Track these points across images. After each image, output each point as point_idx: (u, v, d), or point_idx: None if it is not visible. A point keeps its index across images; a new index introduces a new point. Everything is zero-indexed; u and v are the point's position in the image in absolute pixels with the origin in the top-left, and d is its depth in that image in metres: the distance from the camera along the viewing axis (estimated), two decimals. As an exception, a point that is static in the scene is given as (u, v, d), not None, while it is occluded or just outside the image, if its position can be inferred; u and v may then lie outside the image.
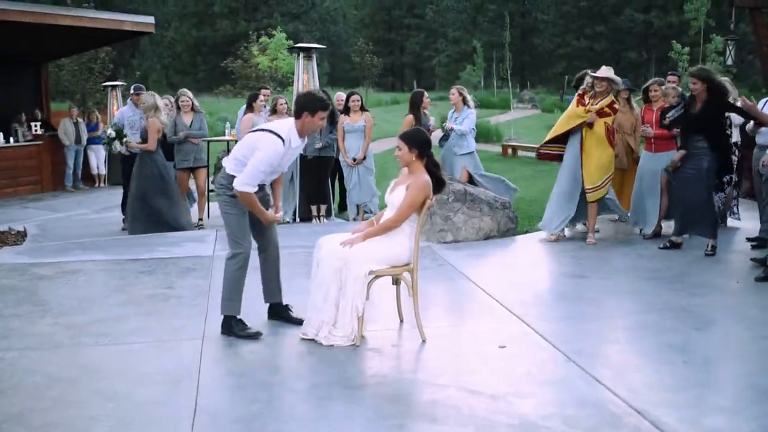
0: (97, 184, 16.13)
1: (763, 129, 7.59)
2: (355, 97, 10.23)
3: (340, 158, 10.08)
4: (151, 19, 15.37)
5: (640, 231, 8.54)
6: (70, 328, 5.42)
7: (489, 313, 5.79)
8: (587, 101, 8.11)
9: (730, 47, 12.38)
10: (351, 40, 61.95)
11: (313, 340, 5.02)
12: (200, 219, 10.02)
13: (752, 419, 3.86)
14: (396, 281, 5.41)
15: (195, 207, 10.48)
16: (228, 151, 10.79)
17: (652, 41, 56.16)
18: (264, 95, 10.23)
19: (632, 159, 8.97)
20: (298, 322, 5.29)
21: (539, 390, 4.27)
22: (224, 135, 11.62)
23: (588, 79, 8.23)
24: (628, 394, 4.13)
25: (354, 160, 9.89)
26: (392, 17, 72.33)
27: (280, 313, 5.53)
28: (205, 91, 43.64)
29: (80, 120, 15.79)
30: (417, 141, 5.12)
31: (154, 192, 9.18)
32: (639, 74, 55.91)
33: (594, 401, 4.07)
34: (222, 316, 5.25)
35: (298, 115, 5.14)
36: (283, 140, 5.04)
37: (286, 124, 5.17)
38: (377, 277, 5.02)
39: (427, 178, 5.08)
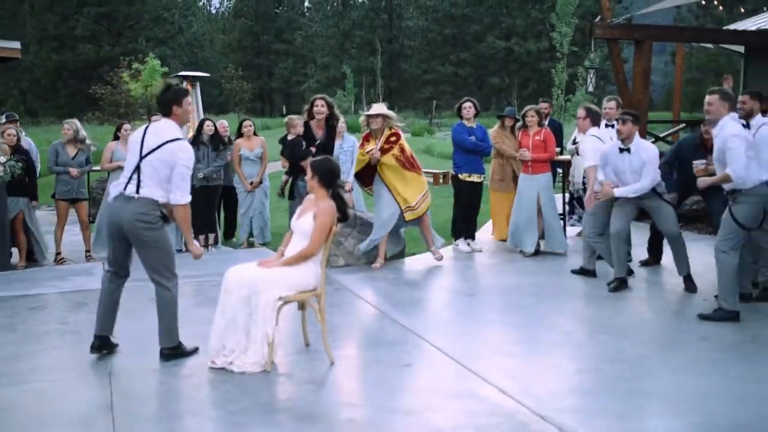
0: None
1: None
2: (248, 122, 10.34)
3: (237, 185, 10.13)
4: (17, 44, 14.69)
5: (520, 250, 9.01)
6: (-36, 370, 5.20)
7: (391, 333, 6.00)
8: (370, 142, 8.35)
9: (591, 75, 13.31)
10: (219, 65, 61.31)
11: (222, 368, 5.07)
12: (87, 251, 9.73)
13: (637, 419, 4.29)
14: (302, 306, 5.53)
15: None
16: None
17: (513, 67, 58.77)
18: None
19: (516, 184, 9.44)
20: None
21: (449, 403, 4.51)
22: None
23: (362, 119, 8.54)
24: (533, 403, 4.44)
25: (251, 183, 9.96)
26: (261, 42, 72.17)
27: (108, 345, 5.47)
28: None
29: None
30: (321, 170, 5.31)
31: None
32: (501, 98, 58.39)
33: (502, 411, 4.35)
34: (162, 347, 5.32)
35: (169, 112, 5.30)
36: (183, 138, 5.27)
37: (168, 126, 5.27)
38: (285, 303, 5.14)
39: (331, 203, 5.26)
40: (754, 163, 6.09)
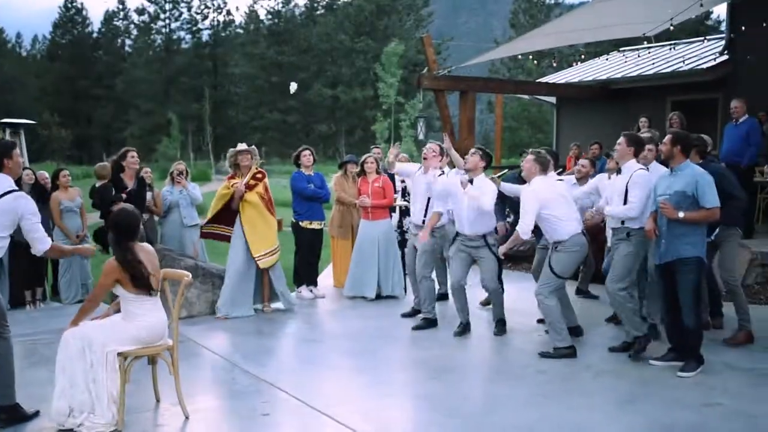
0: None
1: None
2: (65, 172, 9.88)
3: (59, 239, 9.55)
4: None
5: (362, 296, 9.16)
6: None
7: (244, 384, 5.92)
8: (236, 179, 8.47)
9: (421, 124, 13.92)
10: (32, 110, 58.23)
11: (71, 430, 4.80)
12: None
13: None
14: (152, 360, 5.35)
15: None
16: None
17: (340, 114, 60.04)
18: None
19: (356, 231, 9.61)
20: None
21: (311, 451, 4.53)
22: None
23: (230, 157, 8.65)
24: (393, 444, 4.55)
25: (78, 236, 9.45)
26: (78, 87, 69.30)
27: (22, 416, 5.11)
28: None
29: None
30: (113, 222, 5.14)
31: None
32: (328, 144, 59.36)
33: (364, 454, 4.42)
34: None
35: (0, 166, 5.10)
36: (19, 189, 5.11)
37: (2, 179, 5.04)
38: (136, 358, 4.97)
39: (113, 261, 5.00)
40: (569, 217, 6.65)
